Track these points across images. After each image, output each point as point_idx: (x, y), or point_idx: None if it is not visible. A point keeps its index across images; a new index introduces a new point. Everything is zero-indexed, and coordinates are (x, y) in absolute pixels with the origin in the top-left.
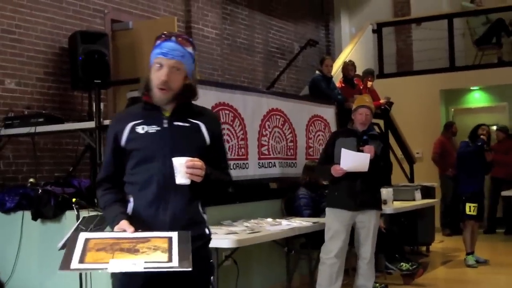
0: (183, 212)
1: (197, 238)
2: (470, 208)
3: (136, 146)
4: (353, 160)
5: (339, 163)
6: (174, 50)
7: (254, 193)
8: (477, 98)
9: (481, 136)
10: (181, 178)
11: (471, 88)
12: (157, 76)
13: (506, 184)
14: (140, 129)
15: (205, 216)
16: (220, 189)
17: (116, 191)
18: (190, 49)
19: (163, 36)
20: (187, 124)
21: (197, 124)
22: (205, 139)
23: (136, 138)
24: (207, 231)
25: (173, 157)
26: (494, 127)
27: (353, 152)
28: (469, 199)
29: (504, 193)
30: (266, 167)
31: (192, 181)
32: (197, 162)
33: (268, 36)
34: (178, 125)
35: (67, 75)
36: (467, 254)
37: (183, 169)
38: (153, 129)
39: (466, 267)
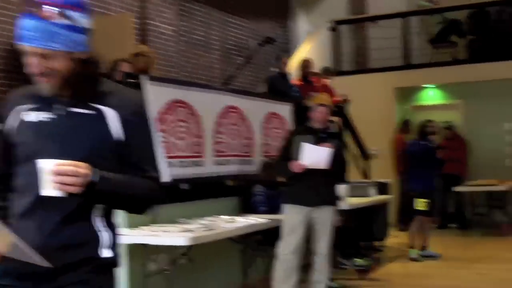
0: (57, 231)
1: (82, 263)
2: (420, 204)
3: (19, 139)
4: (314, 155)
5: (298, 159)
6: (37, 31)
7: (210, 190)
8: (431, 96)
9: (431, 136)
10: (47, 188)
11: (426, 86)
12: (28, 64)
13: (457, 180)
14: (28, 116)
15: (104, 234)
16: (132, 201)
17: None
18: (66, 21)
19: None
20: (87, 111)
21: (100, 111)
22: (110, 132)
23: (21, 127)
24: (105, 252)
25: (63, 156)
26: (444, 125)
27: (315, 146)
28: (419, 195)
29: (456, 188)
30: (222, 165)
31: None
32: (69, 167)
33: (225, 33)
34: (76, 112)
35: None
36: (411, 248)
37: (50, 177)
38: (44, 117)
39: (411, 260)
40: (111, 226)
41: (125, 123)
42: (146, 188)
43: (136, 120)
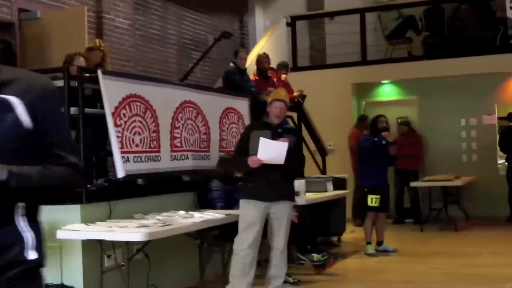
0: None
1: (7, 267)
2: (372, 200)
3: None
4: (271, 150)
5: (255, 155)
6: None
7: (166, 186)
8: (388, 92)
9: (383, 133)
10: None
11: (382, 81)
12: None
13: (412, 175)
14: None
15: (28, 235)
16: (49, 192)
17: None
18: None
19: None
20: None
21: (4, 100)
22: (19, 121)
23: None
24: (30, 254)
25: None
26: (399, 121)
27: (272, 141)
28: (371, 191)
29: (412, 184)
30: (178, 160)
31: None
32: None
33: (182, 28)
34: None
35: None
36: (367, 243)
37: None
38: None
39: (367, 256)
40: (35, 225)
41: (31, 109)
42: (62, 176)
43: (42, 105)
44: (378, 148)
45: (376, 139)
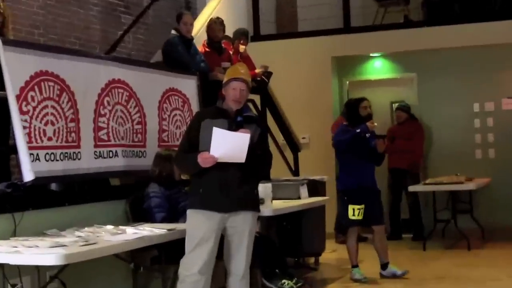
0: None
1: None
2: (354, 211)
3: None
4: (227, 144)
5: (207, 150)
6: None
7: (89, 192)
8: (378, 68)
9: (368, 122)
10: None
11: (371, 54)
12: None
13: (410, 177)
14: None
15: None
16: None
17: None
18: None
19: None
20: None
21: None
22: None
23: None
24: None
25: None
26: (395, 105)
27: (229, 132)
28: (352, 199)
29: (411, 188)
30: (105, 158)
31: None
32: None
33: None
34: None
35: None
36: (353, 266)
37: None
38: None
39: (353, 282)
40: None
41: None
42: None
43: None
44: (359, 142)
45: (358, 130)
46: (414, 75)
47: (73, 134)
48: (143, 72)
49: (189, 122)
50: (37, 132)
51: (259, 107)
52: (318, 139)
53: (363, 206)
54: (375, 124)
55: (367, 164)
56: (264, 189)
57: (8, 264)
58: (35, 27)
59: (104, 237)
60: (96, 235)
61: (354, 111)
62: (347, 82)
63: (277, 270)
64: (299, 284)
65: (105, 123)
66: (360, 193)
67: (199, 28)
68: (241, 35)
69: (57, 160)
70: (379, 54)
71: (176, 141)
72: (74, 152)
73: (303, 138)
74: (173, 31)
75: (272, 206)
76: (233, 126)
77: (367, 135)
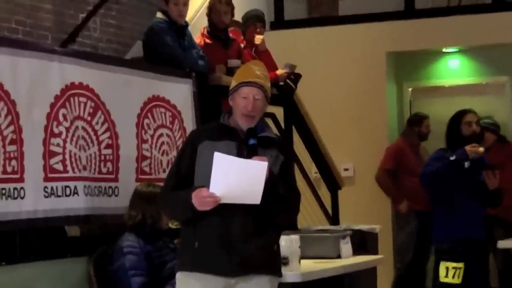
0: None
1: None
2: (448, 271)
3: None
4: (235, 176)
5: (205, 186)
6: None
7: (35, 245)
8: (454, 70)
9: (468, 147)
10: None
11: (444, 50)
12: None
13: (502, 227)
14: None
15: None
16: None
17: None
18: None
19: None
20: None
21: None
22: None
23: None
24: None
25: None
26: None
27: (237, 159)
28: (446, 254)
29: (502, 244)
30: (59, 196)
31: None
32: None
33: None
34: None
35: None
36: None
37: None
38: None
39: None
40: None
41: None
42: None
43: None
44: (457, 174)
45: (452, 158)
46: (507, 80)
47: (13, 162)
48: (114, 73)
49: (180, 146)
50: None
51: (282, 124)
52: (366, 171)
53: (462, 264)
54: (481, 149)
55: (474, 206)
56: (288, 243)
57: None
58: None
59: None
60: None
61: (454, 128)
62: (409, 89)
63: None
64: None
65: (60, 146)
66: (461, 247)
67: (195, 10)
68: (255, 20)
69: None
70: (456, 49)
71: (162, 173)
72: (14, 188)
73: (346, 169)
74: (158, 14)
75: (300, 269)
76: (244, 151)
77: (465, 164)
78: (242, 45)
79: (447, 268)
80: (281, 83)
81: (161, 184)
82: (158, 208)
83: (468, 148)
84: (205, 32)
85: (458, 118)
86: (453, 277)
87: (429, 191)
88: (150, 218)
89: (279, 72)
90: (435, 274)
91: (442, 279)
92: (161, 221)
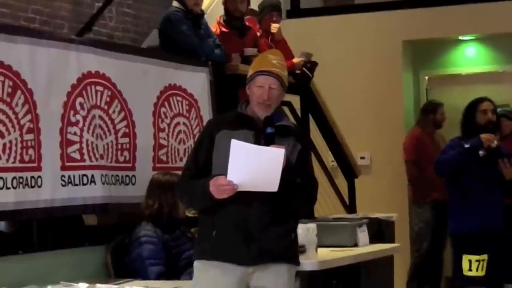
0: None
1: None
2: (471, 264)
3: None
4: (253, 164)
5: (223, 174)
6: None
7: (53, 234)
8: (471, 58)
9: (484, 135)
10: None
11: (461, 38)
12: None
13: None
14: None
15: None
16: None
17: None
18: None
19: None
20: None
21: None
22: None
23: None
24: None
25: None
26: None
27: (255, 146)
28: (466, 247)
29: None
30: (76, 185)
31: None
32: None
33: None
34: None
35: None
36: None
37: None
38: None
39: None
40: None
41: None
42: None
43: None
44: (473, 161)
45: (467, 146)
46: None
47: (30, 151)
48: (131, 62)
49: (197, 135)
50: None
51: (299, 112)
52: (383, 160)
53: (485, 256)
54: (495, 142)
55: (493, 196)
56: (305, 232)
57: None
58: None
59: None
60: None
61: (469, 116)
62: (426, 77)
63: None
64: None
65: (77, 135)
66: (481, 238)
67: None
68: (271, 8)
69: (7, 188)
70: (473, 37)
71: (179, 162)
72: (32, 177)
73: (362, 158)
74: (174, 3)
75: (317, 257)
76: (261, 140)
77: (480, 152)
78: (258, 34)
79: (470, 261)
80: (298, 72)
81: (178, 172)
82: (176, 197)
83: (483, 136)
84: (221, 21)
85: (474, 106)
86: (477, 270)
87: (446, 180)
88: (166, 207)
89: (296, 60)
90: (455, 266)
91: (466, 272)
92: (177, 209)
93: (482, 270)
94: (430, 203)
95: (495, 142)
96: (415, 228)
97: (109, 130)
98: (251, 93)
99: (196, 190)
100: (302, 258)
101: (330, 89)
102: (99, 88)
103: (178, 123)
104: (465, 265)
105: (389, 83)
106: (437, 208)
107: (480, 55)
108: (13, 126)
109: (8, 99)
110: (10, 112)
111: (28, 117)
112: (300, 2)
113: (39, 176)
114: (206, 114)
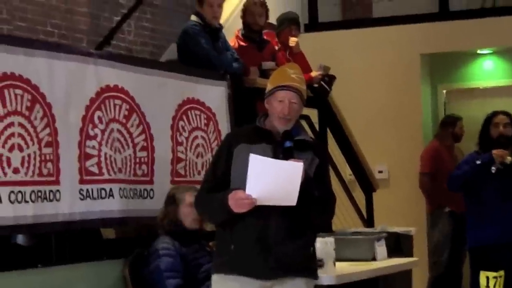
0: None
1: None
2: (489, 281)
3: None
4: (271, 178)
5: (241, 188)
6: None
7: (71, 247)
8: (489, 71)
9: (495, 151)
10: None
11: (479, 51)
12: None
13: None
14: None
15: None
16: None
17: None
18: None
19: None
20: None
21: None
22: None
23: None
24: None
25: None
26: None
27: (274, 160)
28: (483, 263)
29: None
30: (94, 198)
31: None
32: None
33: None
34: None
35: None
36: None
37: None
38: None
39: None
40: None
41: None
42: None
43: None
44: (485, 177)
45: (478, 162)
46: None
47: (49, 164)
48: (149, 76)
49: (216, 148)
50: None
51: (317, 126)
52: (401, 173)
53: (502, 273)
54: (509, 158)
55: (509, 209)
56: (323, 246)
57: None
58: None
59: None
60: None
61: (484, 129)
62: (444, 91)
63: None
64: None
65: (96, 148)
66: (499, 252)
67: (230, 12)
68: (290, 22)
69: (26, 202)
70: (490, 51)
71: (197, 176)
72: (50, 190)
73: (380, 172)
74: (193, 17)
75: (335, 271)
76: (280, 154)
77: (492, 169)
78: (276, 48)
79: (487, 278)
80: (315, 85)
81: (197, 186)
82: (196, 210)
83: (494, 152)
84: (240, 35)
85: (489, 120)
86: (494, 286)
87: (464, 193)
88: (183, 221)
89: (313, 74)
90: (473, 282)
91: None
92: (183, 221)
93: (499, 286)
94: (447, 215)
95: (509, 158)
96: (433, 240)
97: (127, 144)
98: (270, 107)
99: (215, 204)
100: (320, 272)
101: (348, 102)
102: (118, 101)
103: (196, 137)
104: (482, 281)
105: (407, 96)
106: (455, 219)
107: (498, 68)
108: (31, 140)
109: (27, 113)
110: (29, 126)
111: (47, 130)
112: (318, 16)
113: (58, 190)
114: (224, 127)
